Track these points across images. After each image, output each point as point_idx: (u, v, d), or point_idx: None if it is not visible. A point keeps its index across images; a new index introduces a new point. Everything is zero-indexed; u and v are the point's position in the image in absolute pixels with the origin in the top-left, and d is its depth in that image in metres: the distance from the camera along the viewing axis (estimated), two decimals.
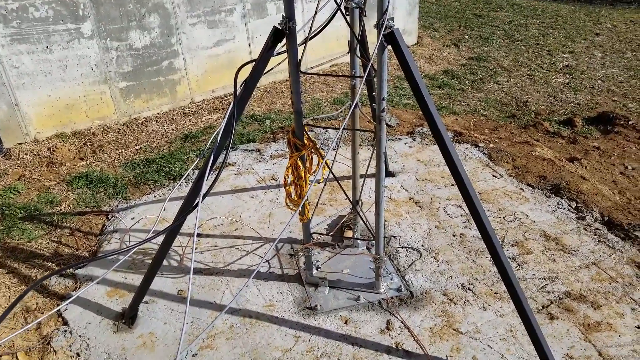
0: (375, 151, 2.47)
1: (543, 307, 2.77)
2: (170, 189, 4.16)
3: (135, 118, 5.67)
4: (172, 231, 2.51)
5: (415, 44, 8.51)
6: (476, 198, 2.20)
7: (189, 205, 2.31)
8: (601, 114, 5.58)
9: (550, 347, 2.33)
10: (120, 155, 4.88)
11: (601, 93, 6.39)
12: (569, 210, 3.73)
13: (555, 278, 2.99)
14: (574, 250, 3.25)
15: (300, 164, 2.52)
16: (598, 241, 3.34)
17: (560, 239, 3.36)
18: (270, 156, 4.63)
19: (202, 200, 1.94)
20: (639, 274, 3.03)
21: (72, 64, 5.00)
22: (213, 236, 3.47)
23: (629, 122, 5.29)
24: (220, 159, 2.22)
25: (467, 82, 6.84)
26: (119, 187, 4.19)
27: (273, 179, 4.20)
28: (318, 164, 2.65)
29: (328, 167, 2.80)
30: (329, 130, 5.01)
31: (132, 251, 2.02)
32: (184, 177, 3.95)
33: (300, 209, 2.66)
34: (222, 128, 2.14)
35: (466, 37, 9.16)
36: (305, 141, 2.50)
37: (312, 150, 2.56)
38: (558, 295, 2.84)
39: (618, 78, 6.91)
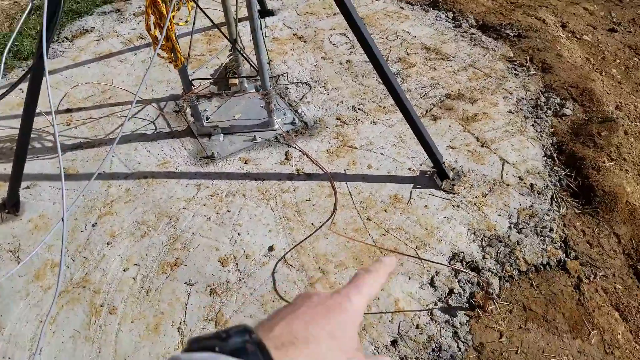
0: None
1: (427, 111, 2.92)
2: (24, 70, 3.63)
3: None
4: (27, 109, 2.20)
5: None
6: (362, 23, 2.12)
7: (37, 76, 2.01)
8: None
9: (435, 142, 2.50)
10: None
11: None
12: (446, 20, 3.80)
13: (437, 84, 3.13)
14: (453, 57, 3.38)
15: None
16: (474, 45, 3.49)
17: (439, 49, 3.46)
18: (133, 14, 4.13)
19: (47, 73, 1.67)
20: (509, 67, 3.26)
21: None
22: (86, 109, 3.15)
23: None
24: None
25: None
26: None
27: (141, 38, 3.79)
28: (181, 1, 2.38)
29: (194, 1, 2.53)
30: None
31: None
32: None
33: (171, 53, 2.43)
34: None
35: None
36: None
37: None
38: (440, 99, 3.00)
39: None
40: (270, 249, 2.25)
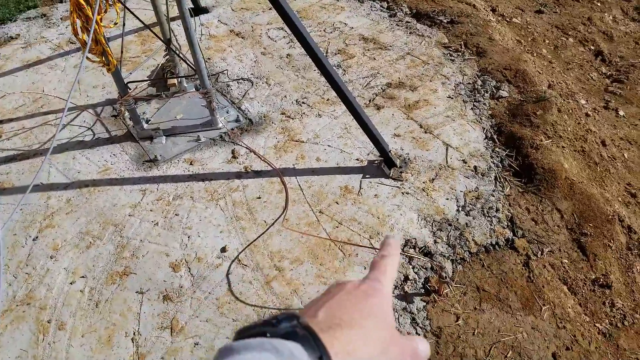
0: None
1: (370, 100, 2.96)
2: None
3: None
4: None
5: None
6: (296, 18, 2.11)
7: None
8: None
9: (380, 131, 2.53)
10: None
11: None
12: (381, 10, 3.85)
13: (377, 74, 3.17)
14: (390, 46, 3.43)
15: (82, 1, 2.12)
16: (409, 33, 3.56)
17: (377, 39, 3.51)
18: (61, 19, 3.93)
19: None
20: (445, 53, 3.35)
21: None
22: (17, 119, 2.97)
23: None
24: None
25: None
26: None
27: (71, 43, 3.61)
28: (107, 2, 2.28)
29: (121, 2, 2.44)
30: None
31: None
32: None
33: (102, 56, 2.33)
34: None
35: None
36: None
37: None
38: (381, 88, 3.05)
39: None
40: (223, 250, 2.21)
